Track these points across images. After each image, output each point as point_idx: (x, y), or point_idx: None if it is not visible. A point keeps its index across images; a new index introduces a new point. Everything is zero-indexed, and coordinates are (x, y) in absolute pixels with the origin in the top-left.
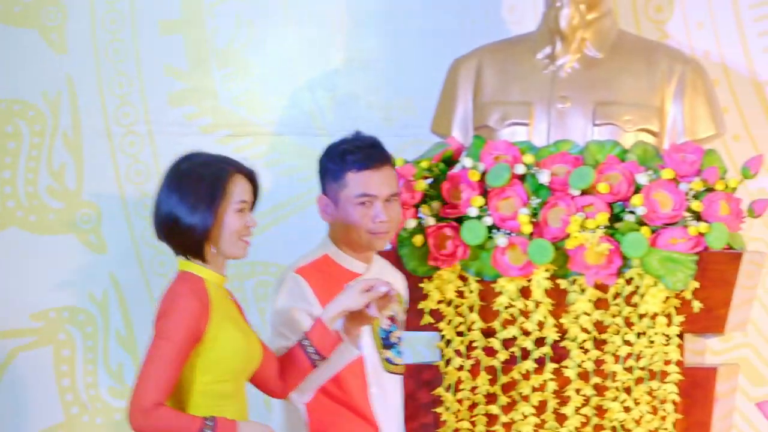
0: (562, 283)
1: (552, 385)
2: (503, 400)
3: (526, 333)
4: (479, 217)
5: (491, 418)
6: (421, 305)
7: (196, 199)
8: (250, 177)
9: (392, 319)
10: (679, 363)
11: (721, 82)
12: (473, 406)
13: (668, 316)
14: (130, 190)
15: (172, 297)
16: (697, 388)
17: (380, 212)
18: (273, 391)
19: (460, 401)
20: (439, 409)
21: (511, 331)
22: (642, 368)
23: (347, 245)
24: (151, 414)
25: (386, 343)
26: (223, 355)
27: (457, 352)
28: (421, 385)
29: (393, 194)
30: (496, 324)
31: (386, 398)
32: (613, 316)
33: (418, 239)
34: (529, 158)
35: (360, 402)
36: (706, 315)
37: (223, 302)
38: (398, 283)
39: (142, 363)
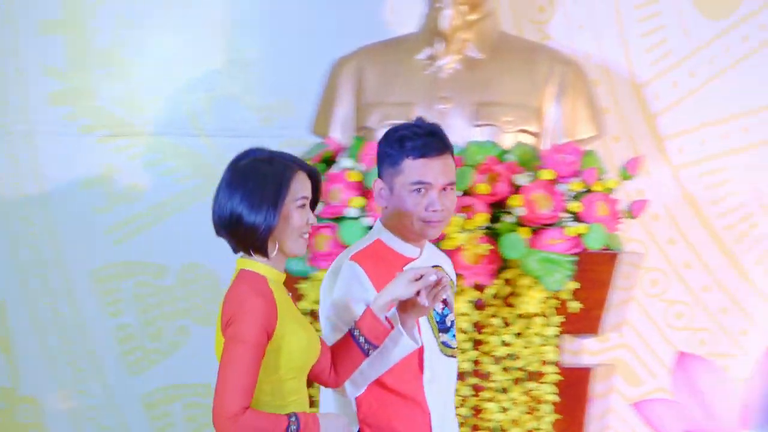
0: None
1: None
2: None
3: None
4: (358, 218)
5: None
6: (299, 306)
7: (260, 196)
8: (311, 174)
9: (445, 302)
10: (556, 363)
11: (601, 84)
12: None
13: (545, 316)
14: (8, 191)
15: (238, 300)
16: (572, 388)
17: (435, 201)
18: (327, 382)
19: None
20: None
21: None
22: (519, 368)
23: (399, 231)
24: (239, 419)
25: (441, 327)
26: (290, 353)
27: None
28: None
29: (449, 183)
30: None
31: (438, 382)
32: (492, 316)
33: None
34: None
35: (412, 387)
36: (583, 315)
37: (285, 299)
38: (447, 266)
39: (219, 370)
